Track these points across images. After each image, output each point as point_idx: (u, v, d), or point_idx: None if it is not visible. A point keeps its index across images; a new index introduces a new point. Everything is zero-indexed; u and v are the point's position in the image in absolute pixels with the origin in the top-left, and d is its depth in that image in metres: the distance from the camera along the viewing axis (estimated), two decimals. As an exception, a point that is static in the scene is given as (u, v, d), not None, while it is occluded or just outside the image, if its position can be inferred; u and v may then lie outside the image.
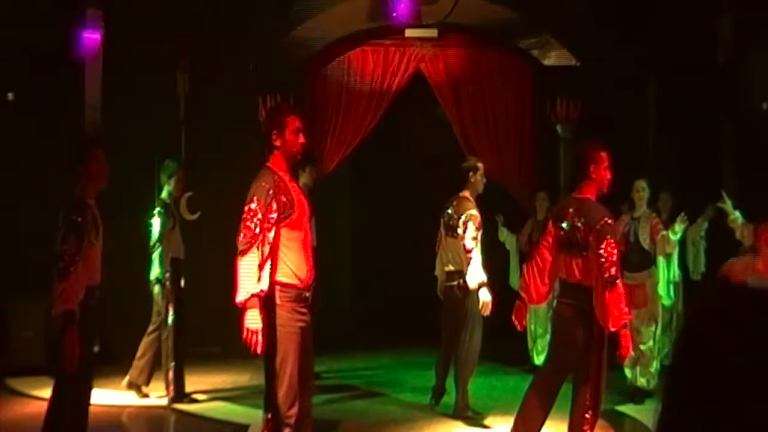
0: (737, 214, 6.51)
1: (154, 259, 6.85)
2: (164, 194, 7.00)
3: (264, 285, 4.39)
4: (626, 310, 4.94)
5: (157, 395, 7.11)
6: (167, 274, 6.82)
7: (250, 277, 4.35)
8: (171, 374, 6.91)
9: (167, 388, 6.96)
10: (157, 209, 6.87)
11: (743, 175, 8.63)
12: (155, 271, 6.86)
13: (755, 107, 9.03)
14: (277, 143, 4.58)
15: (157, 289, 6.88)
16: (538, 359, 7.94)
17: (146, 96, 8.72)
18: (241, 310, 4.37)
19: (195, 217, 7.33)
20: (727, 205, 6.49)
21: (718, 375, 1.22)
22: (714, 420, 1.21)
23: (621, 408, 6.94)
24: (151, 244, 6.83)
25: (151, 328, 7.06)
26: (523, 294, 5.38)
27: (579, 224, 5.05)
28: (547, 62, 10.00)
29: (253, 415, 6.17)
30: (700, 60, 9.09)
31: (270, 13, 9.11)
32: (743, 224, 6.53)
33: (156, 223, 6.82)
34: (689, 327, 1.32)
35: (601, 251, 4.88)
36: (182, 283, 6.97)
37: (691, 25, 8.99)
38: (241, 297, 4.36)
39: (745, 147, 8.81)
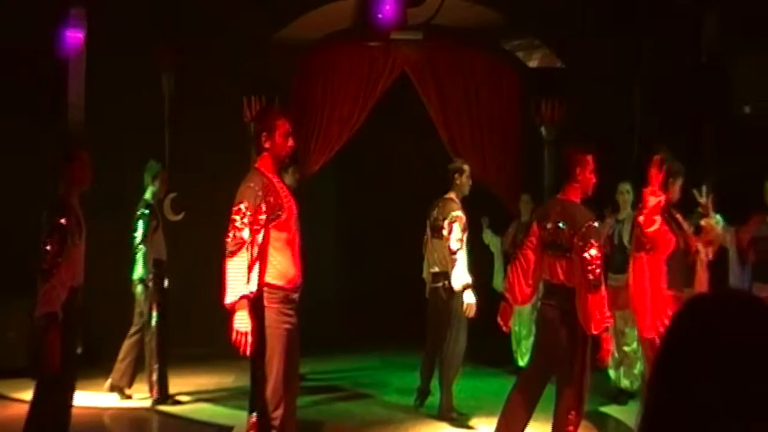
0: (718, 217, 6.55)
1: (137, 259, 6.81)
2: (148, 195, 6.96)
3: (253, 286, 4.39)
4: (608, 313, 4.98)
5: (140, 397, 7.08)
6: (150, 275, 6.79)
7: (239, 279, 4.35)
8: (154, 376, 6.89)
9: (150, 389, 6.94)
10: (141, 210, 6.84)
11: (728, 178, 8.69)
12: (138, 272, 6.82)
13: (738, 109, 9.11)
14: (267, 145, 4.60)
15: (139, 289, 6.84)
16: (522, 360, 7.98)
17: (131, 96, 8.67)
18: (229, 312, 4.36)
19: (179, 217, 7.31)
20: (708, 200, 6.53)
21: (698, 376, 1.24)
22: (695, 420, 1.23)
23: (605, 409, 6.99)
24: (135, 244, 6.79)
25: (133, 329, 7.02)
26: (507, 295, 5.41)
27: (563, 226, 5.08)
28: (532, 64, 10.04)
29: (237, 416, 6.16)
30: (685, 61, 9.15)
31: (255, 14, 9.10)
32: (724, 228, 6.58)
33: (139, 223, 6.79)
34: (670, 330, 1.34)
35: (585, 254, 4.90)
36: (165, 284, 6.94)
37: (676, 26, 9.04)
38: (230, 298, 4.35)
39: (730, 150, 8.88)
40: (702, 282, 5.25)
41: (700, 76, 9.19)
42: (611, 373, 7.25)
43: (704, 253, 5.37)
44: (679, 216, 5.48)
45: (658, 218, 5.17)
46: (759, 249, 6.42)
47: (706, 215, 5.54)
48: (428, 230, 6.80)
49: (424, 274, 6.88)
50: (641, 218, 5.22)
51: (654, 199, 5.17)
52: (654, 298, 5.22)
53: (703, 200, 5.61)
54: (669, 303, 5.19)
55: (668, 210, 5.39)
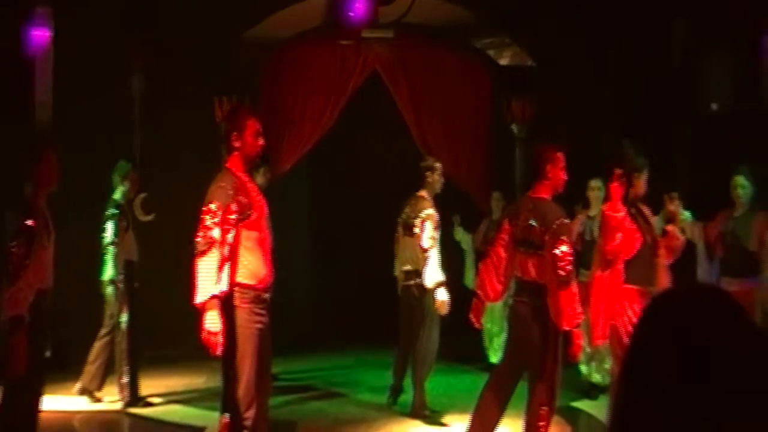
0: (687, 214, 6.64)
1: (107, 260, 6.75)
2: (117, 195, 6.89)
3: (223, 286, 4.37)
4: (579, 309, 5.02)
5: (111, 400, 7.00)
6: (120, 276, 6.72)
7: (209, 278, 4.33)
8: (125, 378, 6.81)
9: (121, 392, 6.86)
10: (110, 210, 6.76)
11: (697, 175, 8.79)
12: (108, 273, 6.75)
13: (706, 108, 9.22)
14: (237, 145, 4.59)
15: (110, 291, 6.77)
16: (495, 357, 8.00)
17: (101, 95, 8.58)
18: (199, 312, 4.34)
19: (150, 218, 7.25)
20: (676, 201, 6.60)
21: (666, 373, 1.25)
22: (663, 419, 1.23)
23: (576, 404, 7.04)
24: (104, 245, 6.72)
25: (103, 331, 6.93)
26: (479, 292, 5.44)
27: (534, 223, 5.11)
28: (503, 62, 10.08)
29: (209, 417, 6.12)
30: (655, 62, 9.24)
31: (226, 13, 9.04)
32: (693, 224, 6.67)
33: (109, 224, 6.72)
34: (638, 327, 1.35)
35: (556, 251, 4.94)
36: (136, 285, 6.88)
37: (646, 28, 9.13)
38: (200, 298, 4.33)
39: (698, 148, 8.98)
40: (663, 282, 5.29)
41: (668, 76, 9.29)
42: (583, 368, 7.30)
43: (664, 256, 5.42)
44: (646, 210, 5.53)
45: (619, 235, 5.22)
46: (726, 244, 6.52)
47: (673, 221, 5.59)
48: (400, 228, 6.81)
49: (396, 272, 6.88)
50: (602, 237, 5.29)
51: (613, 215, 5.22)
52: (608, 308, 5.26)
53: (672, 207, 5.66)
54: (634, 299, 5.23)
55: (635, 205, 5.44)
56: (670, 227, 5.48)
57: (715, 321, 1.27)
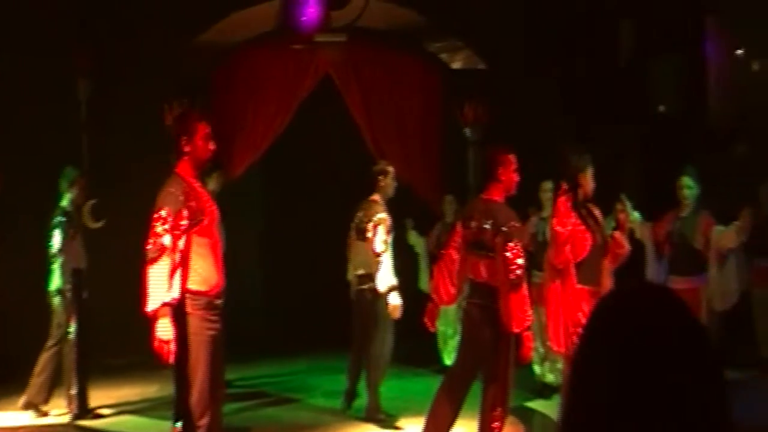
0: (635, 214, 6.76)
1: (54, 269, 6.61)
2: (64, 202, 6.76)
3: (175, 293, 4.33)
4: (529, 312, 5.07)
5: (58, 413, 6.81)
6: (68, 285, 6.58)
7: (160, 286, 4.29)
8: (73, 390, 6.64)
9: (69, 404, 6.68)
10: (57, 218, 6.63)
11: (646, 175, 8.95)
12: (56, 282, 6.60)
13: (654, 109, 9.39)
14: (187, 149, 4.55)
15: (57, 300, 6.62)
16: (449, 359, 8.03)
17: (46, 99, 8.43)
18: (151, 320, 4.28)
19: (99, 225, 7.12)
20: (626, 206, 6.71)
21: (608, 373, 1.27)
22: (607, 419, 1.25)
23: (530, 404, 7.11)
24: (51, 254, 6.58)
25: (50, 342, 6.75)
26: (433, 295, 5.46)
27: (486, 226, 5.15)
28: (455, 66, 10.13)
29: (161, 427, 6.03)
30: (604, 64, 9.38)
31: (177, 16, 8.94)
32: (641, 224, 6.78)
33: (56, 232, 6.58)
34: (585, 328, 1.37)
35: (507, 253, 4.98)
36: (84, 294, 6.73)
37: (597, 30, 9.26)
38: (151, 306, 4.28)
39: (647, 149, 9.14)
40: (606, 285, 5.35)
41: (618, 78, 9.44)
42: (536, 368, 7.38)
43: (609, 261, 5.50)
44: (596, 211, 5.58)
45: (568, 247, 5.27)
46: (673, 243, 6.64)
47: (621, 228, 5.66)
48: (353, 232, 6.80)
49: (349, 277, 6.87)
50: (551, 249, 5.33)
51: (561, 230, 5.27)
52: (566, 315, 5.31)
53: (621, 215, 5.74)
54: (585, 299, 5.29)
55: (585, 206, 5.49)
56: (617, 234, 5.55)
57: (658, 321, 1.29)
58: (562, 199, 5.33)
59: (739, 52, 10.72)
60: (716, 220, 6.57)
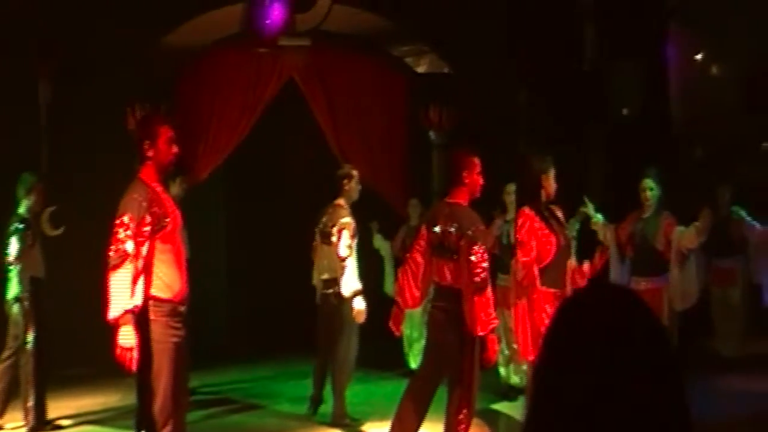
0: (599, 216, 6.83)
1: (11, 278, 6.47)
2: (22, 209, 6.61)
3: (138, 300, 4.28)
4: (494, 315, 5.09)
5: (14, 426, 6.61)
6: (26, 294, 6.44)
7: (123, 293, 4.24)
8: (30, 401, 6.44)
9: (26, 416, 6.48)
10: (14, 225, 6.48)
11: (609, 179, 9.03)
12: (13, 291, 6.45)
13: (617, 113, 9.49)
14: (149, 154, 4.50)
15: (15, 309, 6.44)
16: (415, 363, 8.04)
17: (3, 104, 8.28)
18: (113, 328, 4.23)
19: (58, 232, 6.99)
20: (589, 208, 6.79)
21: (568, 373, 1.28)
22: (566, 420, 1.26)
23: (495, 406, 7.13)
24: (8, 262, 6.44)
25: (6, 353, 6.55)
26: (398, 299, 5.47)
27: (451, 229, 5.16)
28: (420, 69, 10.16)
29: (123, 437, 5.96)
30: (569, 68, 9.45)
31: (140, 19, 8.85)
32: (604, 226, 6.86)
33: (13, 240, 6.44)
34: (547, 330, 1.38)
35: (472, 256, 5.00)
36: (42, 303, 6.58)
37: (560, 34, 9.33)
38: (114, 313, 4.23)
39: (611, 152, 9.23)
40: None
41: (581, 82, 9.52)
42: (501, 370, 7.41)
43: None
44: (558, 212, 5.62)
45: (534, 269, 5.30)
46: (636, 244, 6.73)
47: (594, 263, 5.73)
48: (318, 237, 6.79)
49: (314, 281, 6.86)
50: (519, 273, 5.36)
51: (525, 259, 5.28)
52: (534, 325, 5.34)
53: (600, 259, 5.83)
54: (549, 301, 5.32)
55: (548, 208, 5.53)
56: (585, 267, 5.61)
57: (620, 322, 1.31)
58: (525, 211, 5.34)
59: (699, 56, 10.90)
60: (677, 221, 6.66)
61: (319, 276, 6.74)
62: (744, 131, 10.02)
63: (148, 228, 4.35)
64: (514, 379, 7.40)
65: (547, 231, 5.34)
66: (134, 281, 4.28)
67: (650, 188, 6.71)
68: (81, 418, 7.02)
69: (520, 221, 5.32)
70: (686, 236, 6.48)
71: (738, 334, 8.29)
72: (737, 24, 9.93)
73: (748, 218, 7.56)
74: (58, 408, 6.91)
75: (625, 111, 9.68)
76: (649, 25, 9.56)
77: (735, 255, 8.01)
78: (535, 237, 5.27)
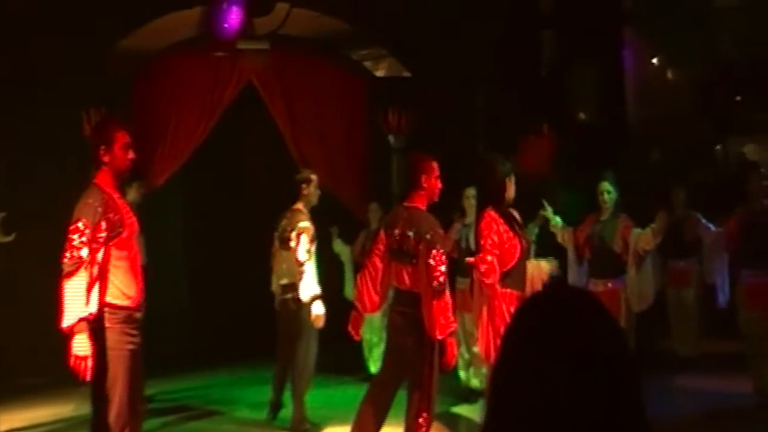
0: (557, 219, 6.89)
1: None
2: (-27, 216, 6.51)
3: (93, 308, 4.22)
4: (452, 319, 5.09)
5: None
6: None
7: (77, 300, 4.16)
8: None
9: (-23, 428, 6.43)
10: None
11: (568, 182, 9.12)
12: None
13: (575, 116, 9.60)
14: (105, 159, 4.44)
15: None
16: (374, 368, 8.03)
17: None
18: (67, 336, 4.16)
19: (10, 239, 6.87)
20: (548, 211, 6.84)
21: (535, 366, 1.28)
22: (534, 409, 1.26)
23: (456, 409, 7.15)
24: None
25: None
26: (357, 304, 5.45)
27: (410, 233, 5.16)
28: (379, 73, 10.16)
29: (77, 447, 5.86)
30: (527, 72, 9.54)
31: (95, 22, 8.72)
32: (562, 228, 6.92)
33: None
34: (510, 324, 1.38)
35: (430, 260, 5.00)
36: None
37: (519, 38, 9.41)
38: (68, 321, 4.15)
39: (569, 156, 9.32)
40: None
41: (540, 86, 9.61)
42: (461, 373, 7.43)
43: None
44: (517, 215, 5.64)
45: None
46: (593, 246, 6.80)
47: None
48: (276, 242, 6.76)
49: (273, 287, 6.82)
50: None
51: (484, 267, 5.28)
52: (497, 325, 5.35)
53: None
54: (512, 302, 5.33)
55: (508, 211, 5.54)
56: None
57: (577, 324, 1.31)
58: (491, 213, 5.33)
59: (655, 60, 11.07)
60: (634, 223, 6.74)
61: (278, 281, 6.70)
62: (698, 134, 10.20)
63: (103, 234, 4.29)
64: (474, 383, 7.43)
65: (511, 234, 5.36)
66: (89, 288, 4.22)
67: (608, 191, 6.79)
68: (34, 429, 6.88)
69: (484, 222, 5.31)
70: (643, 238, 6.56)
71: (693, 334, 8.42)
72: (691, 30, 10.12)
73: (703, 220, 7.68)
74: (10, 419, 6.79)
75: (582, 115, 9.80)
76: (606, 30, 9.68)
77: (690, 256, 8.12)
78: (500, 239, 5.27)
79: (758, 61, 9.91)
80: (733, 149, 11.44)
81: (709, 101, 10.48)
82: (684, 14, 10.01)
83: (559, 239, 6.95)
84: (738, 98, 9.60)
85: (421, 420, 5.20)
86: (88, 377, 4.18)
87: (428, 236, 5.06)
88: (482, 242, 5.20)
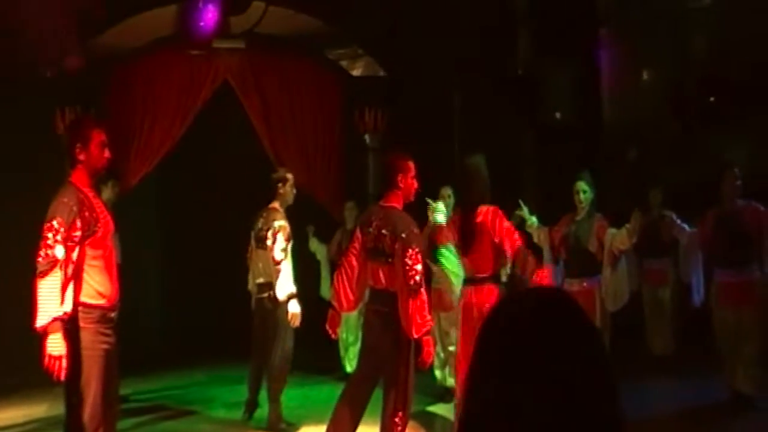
0: (533, 219, 6.92)
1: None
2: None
3: (67, 307, 4.17)
4: (429, 317, 5.11)
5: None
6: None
7: (52, 300, 4.12)
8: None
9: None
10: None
11: (542, 181, 9.17)
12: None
13: (551, 117, 9.64)
14: (81, 157, 4.40)
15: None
16: (350, 367, 8.03)
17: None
18: (41, 336, 4.11)
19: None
20: (524, 211, 6.87)
21: (496, 375, 1.29)
22: (508, 407, 1.27)
23: (431, 408, 7.17)
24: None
25: None
26: (334, 303, 5.44)
27: (385, 232, 5.17)
28: (355, 73, 10.15)
29: (51, 447, 5.81)
30: (502, 72, 9.57)
31: (70, 19, 8.63)
32: (538, 228, 6.95)
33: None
34: (485, 323, 1.39)
35: (406, 259, 5.01)
36: None
37: (495, 38, 9.44)
38: (42, 321, 4.11)
39: (544, 155, 9.37)
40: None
41: (515, 86, 9.65)
42: (437, 372, 7.45)
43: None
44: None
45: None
46: (569, 246, 6.83)
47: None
48: (253, 241, 6.74)
49: (250, 286, 6.80)
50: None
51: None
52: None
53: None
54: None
55: None
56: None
57: (552, 323, 1.32)
58: (490, 208, 5.42)
59: (630, 62, 11.13)
60: (609, 223, 6.78)
61: (254, 280, 6.69)
62: (673, 135, 10.28)
63: (78, 233, 4.25)
64: (450, 382, 7.44)
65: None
66: (63, 288, 4.18)
67: (583, 191, 6.82)
68: (7, 430, 6.81)
69: (491, 215, 5.49)
70: (618, 238, 6.60)
71: (668, 333, 8.49)
72: (665, 30, 10.19)
73: (678, 220, 7.74)
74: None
75: (557, 115, 9.85)
76: (582, 30, 9.74)
77: (665, 256, 8.18)
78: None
79: (732, 61, 10.00)
80: (707, 149, 11.54)
81: (683, 102, 10.55)
82: (658, 15, 10.09)
83: (535, 239, 6.98)
84: (712, 99, 9.69)
85: (397, 419, 5.20)
86: (63, 377, 4.14)
87: (404, 235, 5.07)
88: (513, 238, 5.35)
